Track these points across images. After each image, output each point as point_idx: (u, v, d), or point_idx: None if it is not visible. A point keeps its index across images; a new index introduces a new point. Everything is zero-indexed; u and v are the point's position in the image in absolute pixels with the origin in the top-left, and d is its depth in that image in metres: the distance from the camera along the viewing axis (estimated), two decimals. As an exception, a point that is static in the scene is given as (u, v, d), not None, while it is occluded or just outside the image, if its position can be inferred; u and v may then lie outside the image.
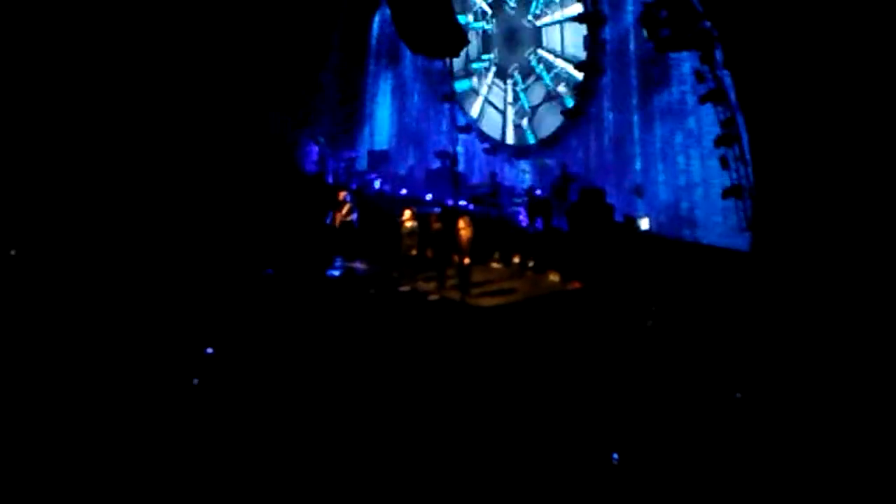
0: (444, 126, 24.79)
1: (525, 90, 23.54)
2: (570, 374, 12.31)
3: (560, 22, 22.56)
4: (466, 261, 17.43)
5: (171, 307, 14.42)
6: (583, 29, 21.85)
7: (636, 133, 20.72)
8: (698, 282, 16.33)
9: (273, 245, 18.92)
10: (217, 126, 21.92)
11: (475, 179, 24.14)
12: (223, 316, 14.22)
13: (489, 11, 24.31)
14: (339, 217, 19.60)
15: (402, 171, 25.52)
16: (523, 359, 13.03)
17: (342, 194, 20.20)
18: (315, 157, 25.02)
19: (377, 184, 24.37)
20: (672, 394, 11.49)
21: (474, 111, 24.72)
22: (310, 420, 10.42)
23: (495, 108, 24.43)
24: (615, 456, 9.83)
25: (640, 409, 11.04)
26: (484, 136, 24.55)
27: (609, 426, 10.58)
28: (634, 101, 20.67)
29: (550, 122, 22.90)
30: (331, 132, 25.65)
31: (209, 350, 12.61)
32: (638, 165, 20.64)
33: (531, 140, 23.33)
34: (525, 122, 23.54)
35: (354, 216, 19.76)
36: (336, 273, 18.56)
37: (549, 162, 22.78)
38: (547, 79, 22.90)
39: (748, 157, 17.37)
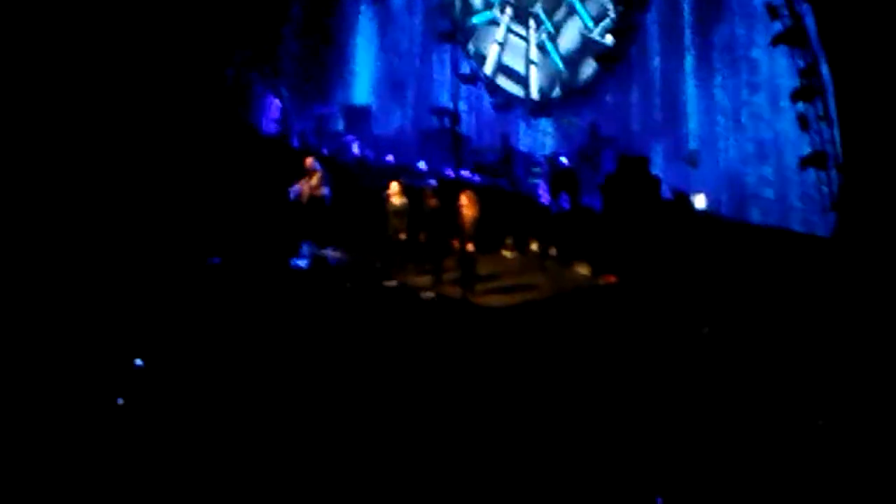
0: (444, 74, 24.72)
1: (553, 35, 23.46)
2: (603, 396, 12.32)
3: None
4: (470, 248, 17.43)
5: (86, 306, 14.34)
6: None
7: (689, 85, 20.79)
8: (769, 277, 16.36)
9: (221, 227, 18.91)
10: (145, 76, 21.94)
11: (482, 144, 24.16)
12: (155, 319, 14.21)
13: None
14: (306, 191, 19.54)
15: (389, 133, 25.51)
16: (543, 376, 13.01)
17: (310, 161, 20.12)
18: (276, 114, 24.97)
19: (356, 148, 24.33)
20: (735, 423, 11.53)
21: (489, 60, 24.66)
22: (258, 456, 10.50)
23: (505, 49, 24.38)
24: (659, 501, 9.96)
25: (693, 443, 11.10)
26: (494, 88, 24.46)
27: (653, 466, 10.61)
28: (688, 44, 20.69)
29: (582, 70, 22.87)
30: (296, 82, 25.66)
31: (138, 362, 12.57)
32: (691, 126, 20.75)
33: (556, 93, 23.30)
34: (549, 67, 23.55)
35: (326, 190, 19.70)
36: (303, 263, 18.50)
37: (578, 121, 22.80)
38: (584, 15, 22.79)
39: (833, 115, 17.35)
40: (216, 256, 17.69)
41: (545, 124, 23.54)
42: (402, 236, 18.54)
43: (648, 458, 10.71)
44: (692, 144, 20.56)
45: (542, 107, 23.69)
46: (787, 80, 18.40)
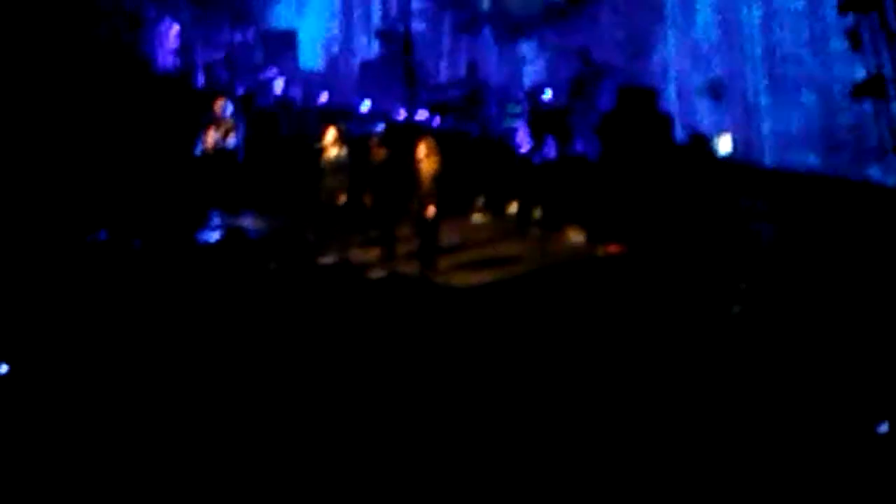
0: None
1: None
2: (605, 401, 12.36)
3: None
4: (430, 211, 17.42)
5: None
6: None
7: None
8: (813, 238, 16.50)
9: (106, 192, 18.81)
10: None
11: (443, 77, 24.14)
12: (26, 311, 14.25)
13: None
14: (212, 141, 19.46)
15: (321, 66, 25.50)
16: (528, 376, 13.03)
17: (220, 104, 20.07)
18: (175, 43, 24.82)
19: (278, 85, 24.24)
20: (773, 425, 11.69)
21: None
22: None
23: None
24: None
25: (724, 450, 11.23)
26: (457, 2, 24.38)
27: (676, 479, 10.74)
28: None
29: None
30: (199, 1, 25.50)
31: (2, 369, 12.71)
32: (710, 47, 20.76)
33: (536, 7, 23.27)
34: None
35: (236, 139, 19.67)
36: (212, 237, 18.44)
37: (566, 44, 22.78)
38: None
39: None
40: (100, 230, 17.59)
41: (524, 49, 23.48)
42: (342, 199, 18.57)
43: (670, 474, 10.84)
44: (713, 71, 20.59)
45: (519, 26, 23.61)
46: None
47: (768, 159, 19.71)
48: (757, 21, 20.28)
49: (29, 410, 11.97)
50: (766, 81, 20.14)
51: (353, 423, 11.76)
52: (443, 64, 24.47)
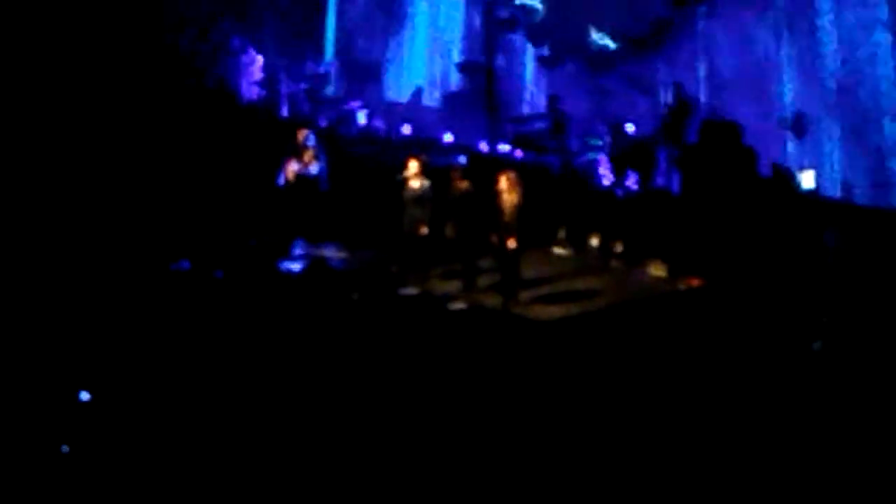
0: (476, 20, 24.73)
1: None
2: (686, 434, 12.36)
3: None
4: (512, 244, 17.45)
5: (20, 323, 14.49)
6: None
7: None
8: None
9: (190, 222, 18.99)
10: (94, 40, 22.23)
11: (525, 109, 24.11)
12: (107, 339, 14.27)
13: None
14: (293, 170, 19.57)
15: (404, 97, 25.56)
16: (609, 409, 13.04)
17: (302, 134, 20.18)
18: (259, 75, 25.09)
19: (362, 117, 24.42)
20: (854, 461, 11.62)
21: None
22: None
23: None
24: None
25: (803, 485, 11.21)
26: (540, 35, 24.43)
27: None
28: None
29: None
30: (284, 34, 25.72)
31: (84, 396, 12.72)
32: (788, 77, 20.71)
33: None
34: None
35: (319, 168, 19.76)
36: (295, 267, 18.55)
37: (646, 77, 22.81)
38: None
39: None
40: (184, 260, 17.74)
41: (606, 83, 23.48)
42: (424, 230, 18.54)
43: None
44: (795, 104, 20.51)
45: (601, 60, 23.63)
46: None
47: (853, 195, 19.53)
48: (847, 42, 20.16)
49: (110, 437, 12.12)
50: (852, 110, 19.98)
51: (432, 451, 11.84)
52: (525, 97, 24.51)
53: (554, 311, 16.91)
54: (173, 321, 15.23)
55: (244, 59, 25.28)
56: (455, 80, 25.02)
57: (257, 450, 11.88)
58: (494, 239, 17.59)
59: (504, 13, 24.62)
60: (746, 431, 12.42)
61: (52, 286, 15.98)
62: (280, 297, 17.03)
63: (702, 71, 22.38)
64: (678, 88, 21.34)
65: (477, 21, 24.77)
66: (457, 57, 25.27)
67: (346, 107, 24.81)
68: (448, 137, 22.78)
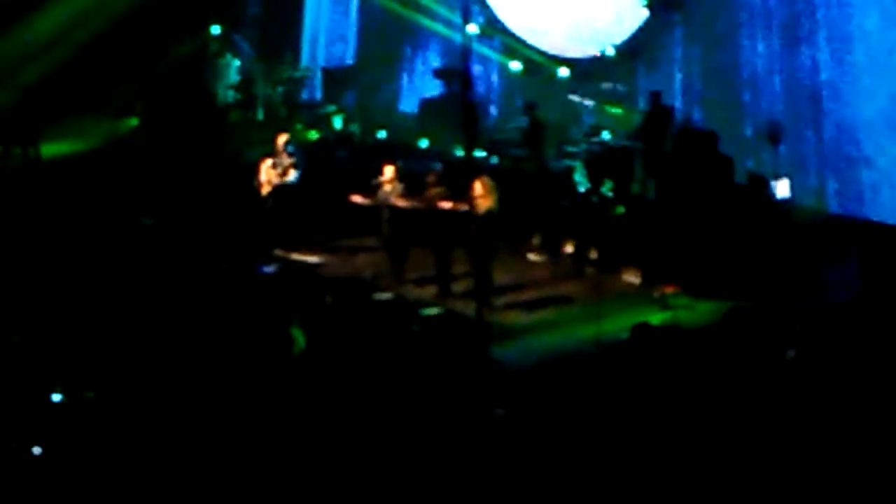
0: (452, 26, 24.61)
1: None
2: (662, 443, 12.25)
3: None
4: (486, 249, 17.45)
5: None
6: None
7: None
8: (875, 286, 16.34)
9: (160, 223, 19.27)
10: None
11: (500, 115, 24.12)
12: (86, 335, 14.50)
13: None
14: (271, 176, 19.51)
15: (381, 102, 25.55)
16: (585, 417, 12.95)
17: (282, 140, 20.13)
18: (234, 76, 25.03)
19: (338, 121, 24.33)
20: (828, 467, 11.55)
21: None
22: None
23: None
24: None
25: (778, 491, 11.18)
26: (516, 43, 24.39)
27: None
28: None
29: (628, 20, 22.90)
30: (261, 36, 25.72)
31: (55, 398, 12.70)
32: (767, 91, 20.81)
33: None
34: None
35: (296, 176, 19.71)
36: (270, 270, 18.55)
37: (619, 88, 22.84)
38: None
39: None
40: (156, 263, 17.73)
41: (582, 91, 23.43)
42: (397, 235, 18.56)
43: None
44: (774, 113, 20.51)
45: (577, 70, 23.60)
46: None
47: (828, 205, 19.54)
48: (820, 63, 20.17)
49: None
50: (830, 120, 19.98)
51: (405, 457, 11.82)
52: (501, 103, 24.45)
53: (528, 317, 16.96)
54: (143, 331, 15.24)
55: (221, 62, 25.24)
56: (431, 85, 24.92)
57: (230, 449, 11.89)
58: (469, 244, 17.55)
59: (480, 18, 24.49)
60: (720, 438, 12.35)
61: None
62: (254, 300, 17.02)
63: (678, 79, 22.30)
64: (655, 97, 21.32)
65: (454, 28, 24.61)
66: (434, 63, 25.19)
67: (322, 111, 24.77)
68: (424, 143, 22.71)
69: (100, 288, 16.44)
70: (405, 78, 25.84)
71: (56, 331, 14.79)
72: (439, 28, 25.06)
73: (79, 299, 15.95)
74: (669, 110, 21.17)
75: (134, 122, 21.67)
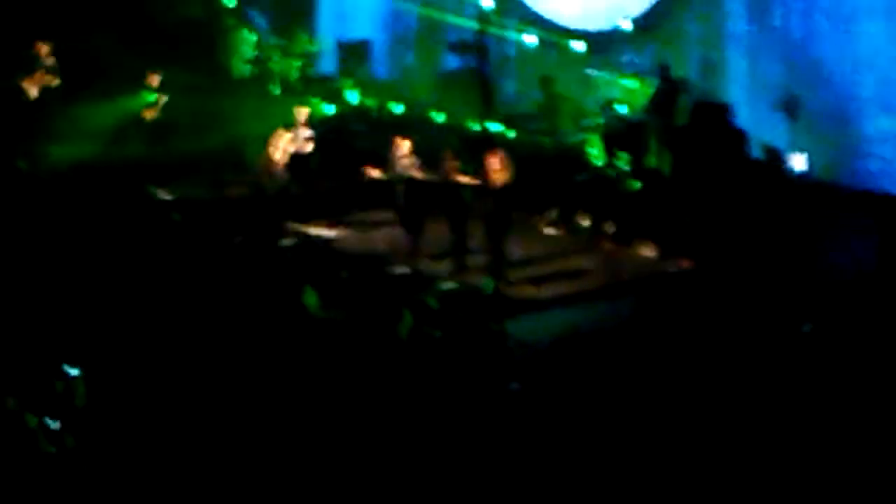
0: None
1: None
2: (674, 416, 12.33)
3: None
4: (502, 223, 17.44)
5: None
6: None
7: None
8: (891, 261, 16.39)
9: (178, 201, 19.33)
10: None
11: (515, 89, 24.13)
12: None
13: None
14: (285, 151, 19.51)
15: (395, 76, 25.51)
16: (599, 391, 13.03)
17: (302, 113, 20.13)
18: (250, 51, 25.00)
19: (354, 96, 24.30)
20: (846, 451, 11.55)
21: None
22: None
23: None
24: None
25: (792, 477, 11.15)
26: (532, 17, 24.31)
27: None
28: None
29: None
30: (275, 11, 25.68)
31: (71, 371, 12.67)
32: (786, 65, 20.71)
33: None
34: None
35: (312, 148, 19.74)
36: (287, 243, 18.57)
37: (637, 61, 22.81)
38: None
39: None
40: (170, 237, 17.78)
41: (598, 64, 23.38)
42: (412, 210, 18.56)
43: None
44: (791, 88, 20.40)
45: (598, 43, 23.52)
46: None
47: (845, 179, 19.46)
48: (843, 30, 20.06)
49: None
50: (847, 95, 19.88)
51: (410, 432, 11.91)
52: (517, 78, 24.40)
53: (543, 291, 16.94)
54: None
55: (237, 36, 25.21)
56: (447, 59, 24.86)
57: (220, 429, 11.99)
58: (485, 218, 17.54)
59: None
60: (737, 413, 12.38)
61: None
62: (270, 273, 17.04)
63: (695, 52, 22.22)
64: (664, 70, 21.26)
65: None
66: (449, 35, 25.11)
67: (337, 85, 24.73)
68: (440, 117, 22.67)
69: (113, 263, 16.46)
70: (421, 52, 25.74)
71: (69, 304, 14.84)
72: (455, 2, 24.97)
73: (93, 274, 15.96)
74: (678, 83, 21.09)
75: (151, 97, 21.45)
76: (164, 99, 21.31)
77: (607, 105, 21.86)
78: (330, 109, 23.45)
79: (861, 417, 12.13)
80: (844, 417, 12.12)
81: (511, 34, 24.46)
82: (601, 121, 21.36)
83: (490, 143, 18.98)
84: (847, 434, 11.77)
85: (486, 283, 16.81)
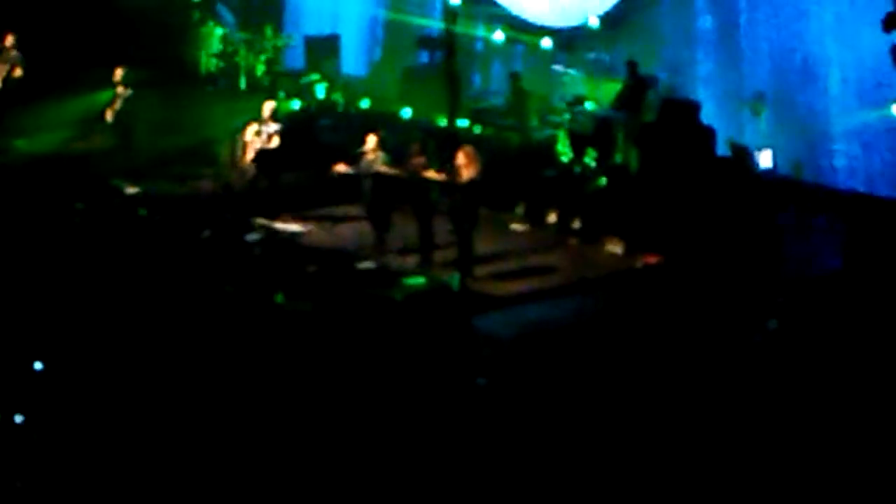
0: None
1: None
2: (641, 413, 12.32)
3: None
4: (469, 219, 17.34)
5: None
6: None
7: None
8: (854, 258, 16.40)
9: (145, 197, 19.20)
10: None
11: (483, 85, 24.16)
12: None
13: None
14: (255, 144, 19.48)
15: (362, 71, 25.47)
16: (565, 387, 13.02)
17: (268, 107, 20.08)
18: (217, 45, 24.92)
19: (321, 91, 24.22)
20: (809, 450, 11.58)
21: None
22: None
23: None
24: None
25: (757, 474, 11.16)
26: (500, 14, 24.26)
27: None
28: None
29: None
30: (243, 3, 25.71)
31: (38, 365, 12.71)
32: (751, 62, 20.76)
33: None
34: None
35: (276, 143, 19.70)
36: (253, 238, 18.50)
37: (604, 58, 22.76)
38: None
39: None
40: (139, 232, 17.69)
41: (566, 60, 23.36)
42: (379, 205, 18.52)
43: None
44: (758, 85, 20.44)
45: (567, 39, 23.51)
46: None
47: (810, 176, 19.50)
48: (812, 28, 20.08)
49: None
50: (813, 94, 19.91)
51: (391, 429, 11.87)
52: (485, 72, 24.37)
53: (511, 287, 16.90)
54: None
55: (203, 31, 25.15)
56: (416, 54, 24.82)
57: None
58: (452, 214, 17.51)
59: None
60: (702, 408, 12.40)
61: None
62: (239, 265, 17.03)
63: (662, 49, 22.21)
64: (632, 66, 21.27)
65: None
66: (418, 31, 25.07)
67: (304, 80, 24.66)
68: (407, 112, 22.64)
69: (80, 258, 16.40)
70: (387, 46, 25.70)
71: (38, 302, 14.78)
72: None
73: (62, 271, 15.89)
74: (646, 80, 21.11)
75: (116, 91, 21.36)
76: (129, 92, 21.06)
77: (575, 101, 21.87)
78: (297, 104, 23.40)
79: (826, 412, 12.17)
80: (809, 413, 12.16)
81: (479, 30, 24.48)
82: (568, 117, 21.35)
83: (457, 138, 18.93)
84: (812, 429, 11.82)
85: (452, 278, 16.80)
